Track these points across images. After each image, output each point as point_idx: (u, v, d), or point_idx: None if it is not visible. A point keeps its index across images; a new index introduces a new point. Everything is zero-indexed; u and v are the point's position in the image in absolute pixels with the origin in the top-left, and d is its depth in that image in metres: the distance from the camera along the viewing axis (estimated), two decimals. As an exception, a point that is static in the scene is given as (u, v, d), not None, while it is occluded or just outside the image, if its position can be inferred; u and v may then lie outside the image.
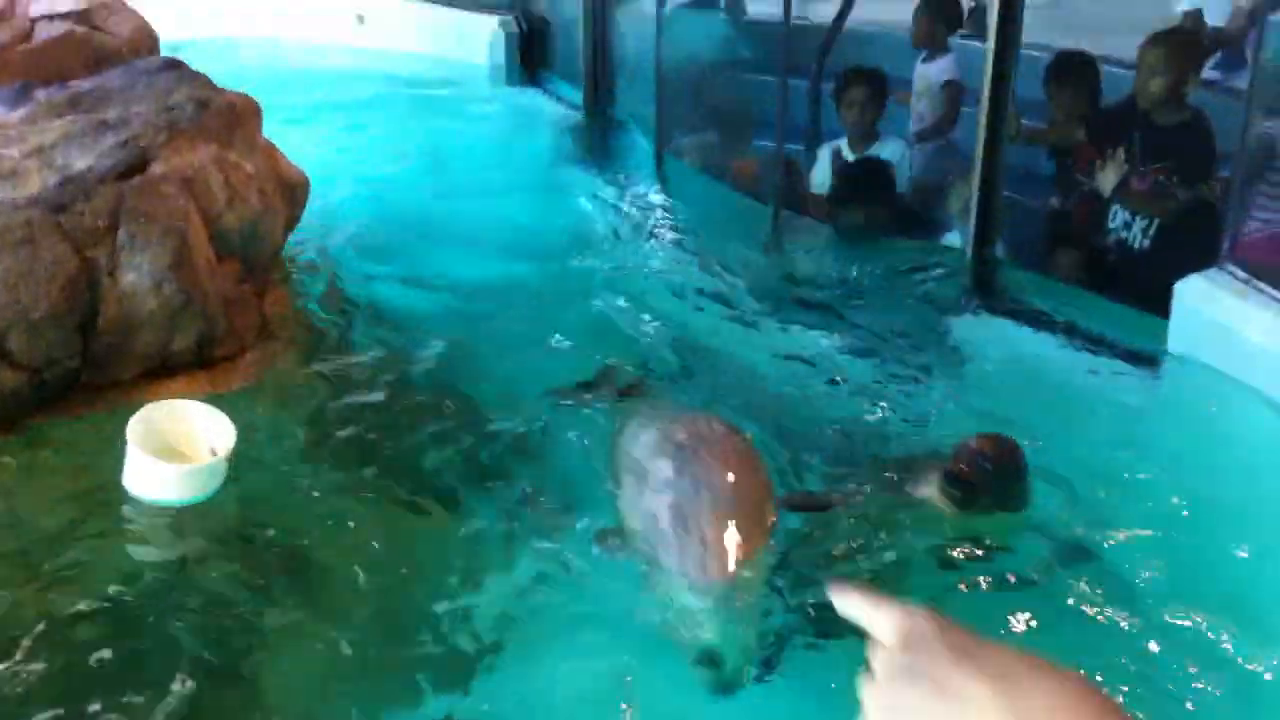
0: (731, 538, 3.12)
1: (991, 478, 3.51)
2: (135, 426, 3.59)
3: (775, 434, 4.19)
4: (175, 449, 3.66)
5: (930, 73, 7.04)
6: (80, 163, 4.50)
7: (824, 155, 6.71)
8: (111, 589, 3.40)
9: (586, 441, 4.10)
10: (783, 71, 6.55)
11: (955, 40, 7.21)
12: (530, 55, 9.06)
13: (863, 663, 1.08)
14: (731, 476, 3.23)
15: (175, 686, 3.14)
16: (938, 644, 1.04)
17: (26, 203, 4.15)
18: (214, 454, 3.62)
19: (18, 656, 3.16)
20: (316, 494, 3.88)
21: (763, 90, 7.02)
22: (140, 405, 3.68)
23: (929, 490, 3.55)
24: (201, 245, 4.30)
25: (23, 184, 4.45)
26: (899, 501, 3.65)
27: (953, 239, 5.94)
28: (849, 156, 6.58)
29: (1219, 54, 8.10)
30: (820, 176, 6.69)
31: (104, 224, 4.10)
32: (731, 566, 3.11)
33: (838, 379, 4.80)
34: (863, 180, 6.39)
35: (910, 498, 3.63)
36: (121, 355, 4.03)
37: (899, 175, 6.46)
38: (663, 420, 3.47)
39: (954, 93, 6.92)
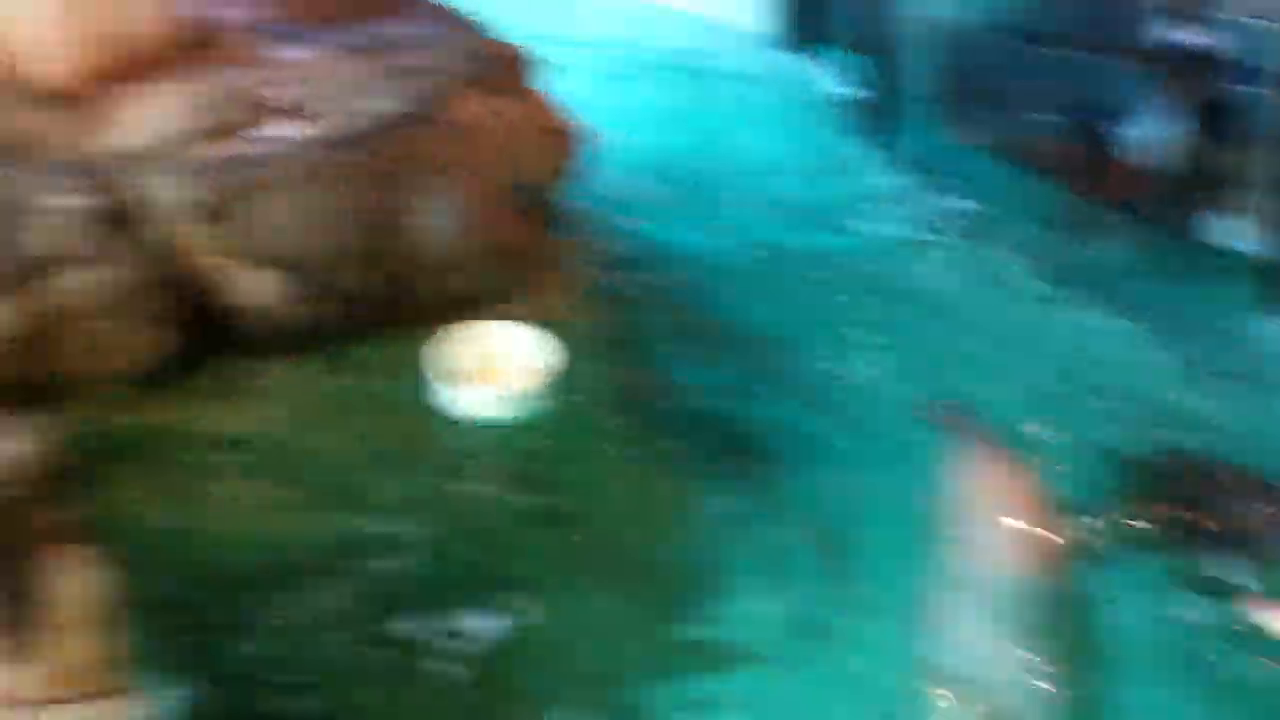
0: None
1: None
2: (451, 348, 3.95)
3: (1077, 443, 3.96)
4: (487, 369, 4.03)
5: None
6: (371, 106, 4.62)
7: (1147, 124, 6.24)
8: (400, 513, 3.66)
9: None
10: (1084, 44, 6.19)
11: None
12: (805, 20, 8.82)
13: None
14: None
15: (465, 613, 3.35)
16: None
17: (321, 143, 4.30)
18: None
19: (309, 584, 3.37)
20: (598, 442, 4.02)
21: (1064, 64, 6.63)
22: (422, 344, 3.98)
23: None
24: (485, 192, 4.42)
25: (316, 124, 4.58)
26: None
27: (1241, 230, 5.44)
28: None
29: None
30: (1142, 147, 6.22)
31: (394, 168, 4.24)
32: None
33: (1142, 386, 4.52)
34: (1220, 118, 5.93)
35: None
36: (407, 297, 4.18)
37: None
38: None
39: None
